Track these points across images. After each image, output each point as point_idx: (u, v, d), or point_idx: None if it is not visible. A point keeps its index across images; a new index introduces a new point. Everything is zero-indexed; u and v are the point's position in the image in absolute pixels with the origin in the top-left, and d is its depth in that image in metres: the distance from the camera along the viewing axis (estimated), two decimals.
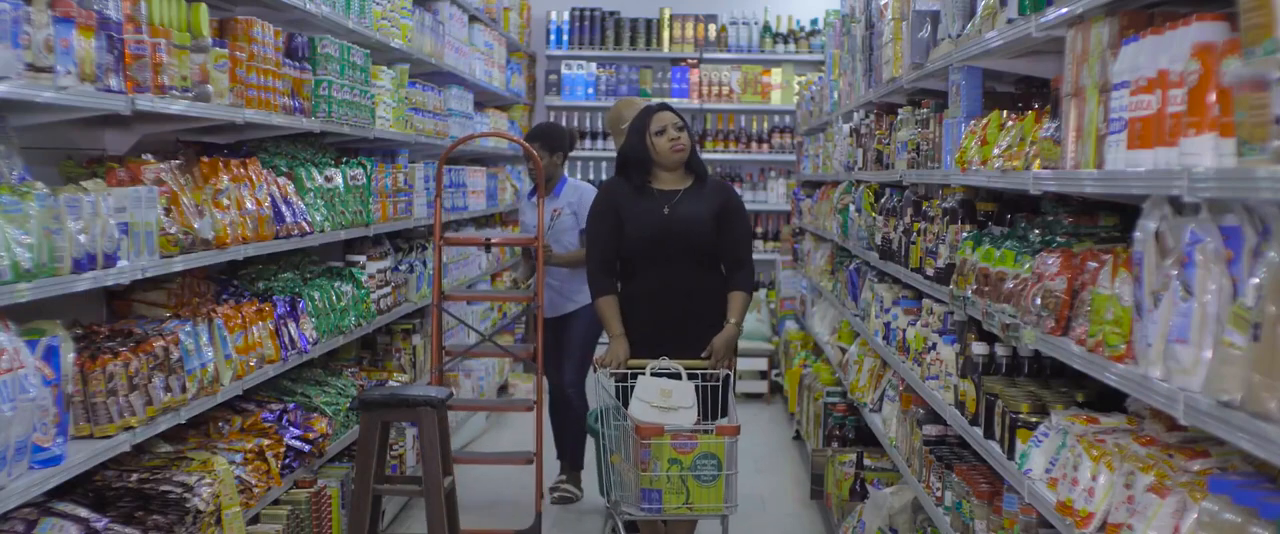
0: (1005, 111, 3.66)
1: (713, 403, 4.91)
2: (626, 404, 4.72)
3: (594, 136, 11.37)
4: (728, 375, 4.91)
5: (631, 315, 5.02)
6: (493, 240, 6.75)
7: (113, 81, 3.36)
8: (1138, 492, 2.42)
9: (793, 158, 10.99)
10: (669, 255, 5.01)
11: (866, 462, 5.61)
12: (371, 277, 6.17)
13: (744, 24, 11.48)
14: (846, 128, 6.89)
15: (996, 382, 3.51)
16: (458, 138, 6.72)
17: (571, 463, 6.73)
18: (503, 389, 9.24)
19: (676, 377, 4.78)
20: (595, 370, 4.94)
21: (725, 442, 4.49)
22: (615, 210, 5.09)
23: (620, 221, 5.06)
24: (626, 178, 5.13)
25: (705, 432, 4.55)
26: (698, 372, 4.88)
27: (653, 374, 4.78)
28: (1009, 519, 3.40)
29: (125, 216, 3.45)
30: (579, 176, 11.40)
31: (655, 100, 5.63)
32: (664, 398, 4.66)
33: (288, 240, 4.84)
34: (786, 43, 11.47)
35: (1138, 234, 2.41)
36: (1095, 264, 2.73)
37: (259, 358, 4.52)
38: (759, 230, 11.40)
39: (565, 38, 11.46)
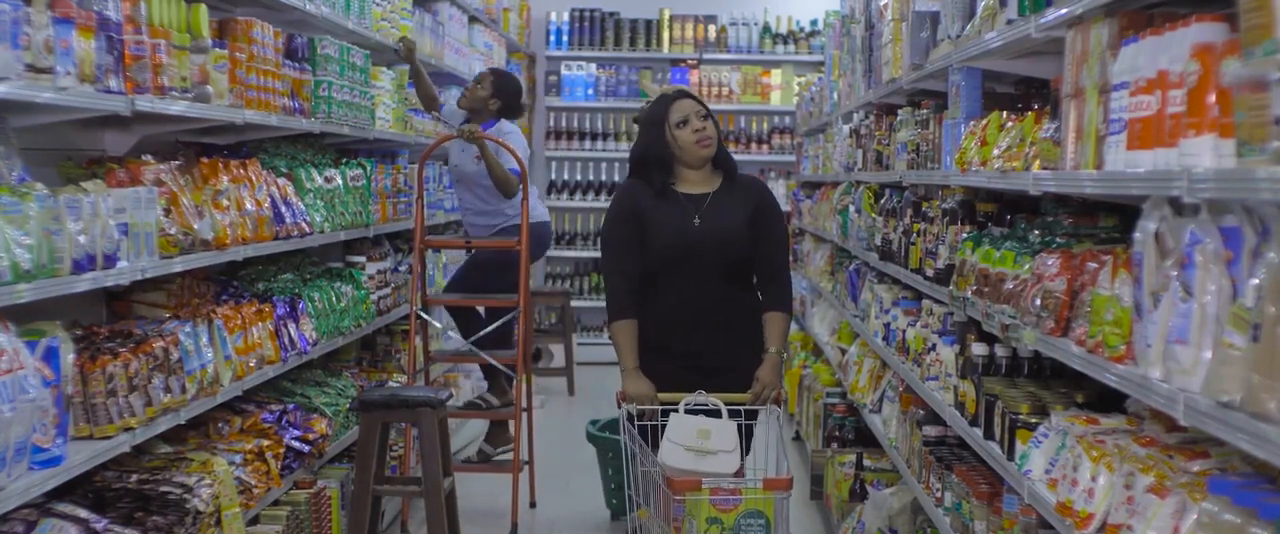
0: (1005, 112, 3.66)
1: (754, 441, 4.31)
2: (653, 443, 4.06)
3: (594, 137, 11.38)
4: (778, 414, 4.17)
5: (655, 341, 4.30)
6: (474, 242, 6.68)
7: (112, 82, 3.36)
8: (1137, 492, 2.42)
9: (792, 158, 10.99)
10: (699, 270, 4.29)
11: (866, 462, 5.60)
12: (371, 277, 6.18)
13: (743, 25, 11.48)
14: (846, 128, 6.89)
15: (996, 382, 3.51)
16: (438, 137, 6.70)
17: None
18: None
19: (715, 413, 4.08)
20: (620, 406, 4.22)
21: (774, 498, 3.79)
22: (637, 217, 4.32)
23: (642, 230, 4.31)
24: (645, 180, 4.39)
25: (750, 485, 3.85)
26: (740, 408, 4.16)
27: (687, 411, 4.07)
28: (1009, 520, 3.40)
29: (125, 217, 3.45)
30: (579, 177, 11.40)
31: (673, 87, 5.19)
32: (701, 439, 3.95)
33: (287, 241, 4.84)
34: (786, 43, 11.48)
35: (1137, 235, 2.41)
36: (1095, 265, 2.73)
37: (259, 359, 4.52)
38: None
39: (565, 38, 11.46)
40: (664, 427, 4.05)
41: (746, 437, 4.20)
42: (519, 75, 10.69)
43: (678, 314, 4.30)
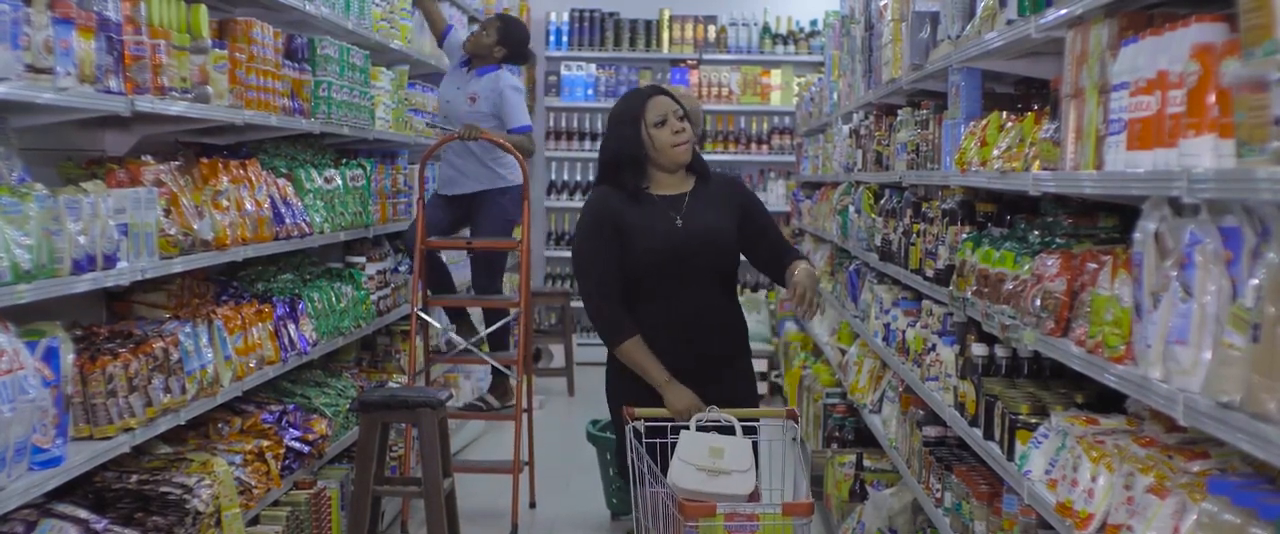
0: (1005, 112, 3.66)
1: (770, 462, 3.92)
2: (660, 460, 3.74)
3: (595, 138, 11.37)
4: (795, 432, 3.82)
5: None
6: (474, 243, 6.63)
7: (112, 83, 3.36)
8: (1137, 493, 2.42)
9: (792, 159, 10.99)
10: (685, 277, 3.99)
11: (866, 463, 5.60)
12: (371, 278, 6.18)
13: (743, 25, 11.48)
14: (846, 129, 6.89)
15: (996, 383, 3.51)
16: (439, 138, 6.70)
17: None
18: None
19: (727, 430, 3.76)
20: (628, 423, 3.81)
21: (795, 524, 3.52)
22: (614, 227, 3.98)
23: (620, 240, 3.98)
24: (615, 184, 4.06)
25: (769, 510, 3.56)
26: (755, 424, 3.87)
27: (698, 428, 3.76)
28: (1008, 520, 3.39)
29: (125, 218, 3.45)
30: (578, 177, 11.40)
31: (648, 84, 4.60)
32: (713, 458, 3.64)
33: (287, 241, 4.84)
34: (786, 44, 11.47)
35: (1137, 235, 2.41)
36: (1095, 265, 2.73)
37: (258, 359, 4.52)
38: None
39: (565, 39, 11.46)
40: (673, 445, 3.74)
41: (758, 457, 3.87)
42: (519, 76, 10.70)
43: (665, 327, 3.98)
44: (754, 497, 3.72)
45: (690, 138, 4.06)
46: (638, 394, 3.95)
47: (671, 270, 3.98)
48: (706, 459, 3.64)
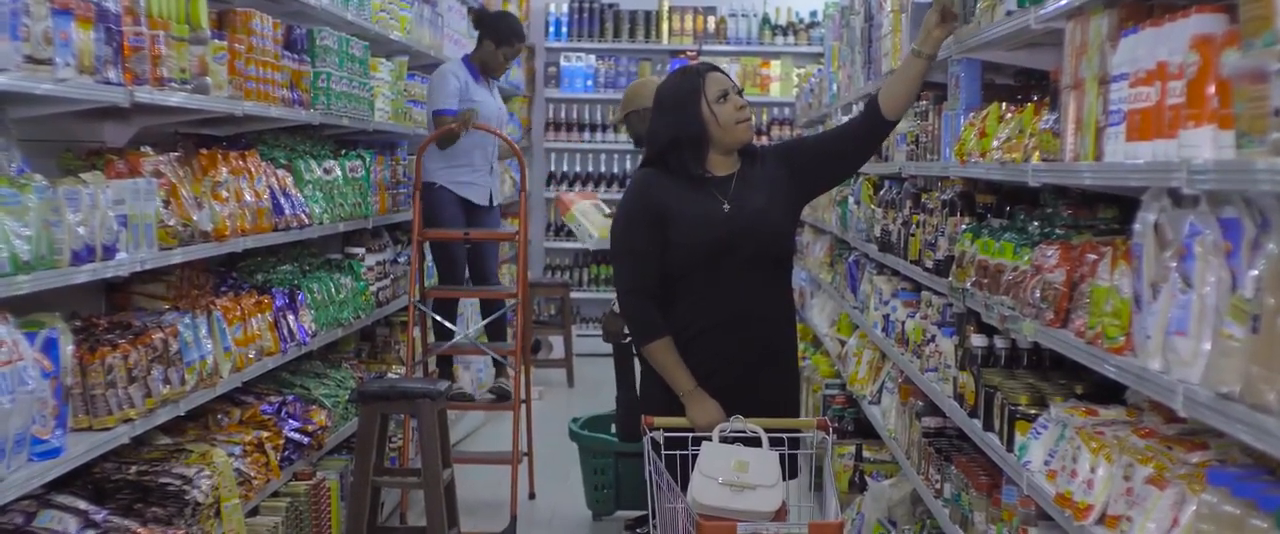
0: (1004, 103, 3.66)
1: (801, 473, 3.68)
2: (680, 477, 3.48)
3: (593, 128, 11.36)
4: (829, 443, 3.60)
5: (685, 358, 3.69)
6: (471, 234, 6.60)
7: (111, 74, 3.36)
8: (1137, 483, 2.42)
9: None
10: (734, 268, 3.70)
11: (865, 454, 5.61)
12: (370, 269, 6.18)
13: (743, 16, 11.47)
14: (846, 120, 6.88)
15: (995, 374, 3.52)
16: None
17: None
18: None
19: (754, 442, 3.50)
20: (647, 434, 3.56)
21: None
22: (659, 214, 3.69)
23: (664, 230, 3.70)
24: (671, 167, 3.75)
25: (795, 530, 3.36)
26: (783, 435, 3.57)
27: (722, 439, 3.51)
28: (1008, 511, 3.40)
29: (124, 209, 3.45)
30: (578, 168, 11.39)
31: (697, 62, 4.18)
32: (739, 472, 3.36)
33: (287, 232, 4.84)
34: (786, 35, 11.46)
35: (1137, 226, 2.41)
36: (1094, 256, 2.73)
37: (258, 350, 4.52)
38: None
39: (564, 29, 11.46)
40: (695, 457, 3.46)
41: (791, 466, 3.61)
42: (518, 67, 10.71)
43: (714, 324, 3.71)
44: (781, 514, 3.45)
45: (750, 113, 3.83)
46: (671, 401, 3.72)
47: (719, 263, 3.70)
48: (731, 474, 3.37)
